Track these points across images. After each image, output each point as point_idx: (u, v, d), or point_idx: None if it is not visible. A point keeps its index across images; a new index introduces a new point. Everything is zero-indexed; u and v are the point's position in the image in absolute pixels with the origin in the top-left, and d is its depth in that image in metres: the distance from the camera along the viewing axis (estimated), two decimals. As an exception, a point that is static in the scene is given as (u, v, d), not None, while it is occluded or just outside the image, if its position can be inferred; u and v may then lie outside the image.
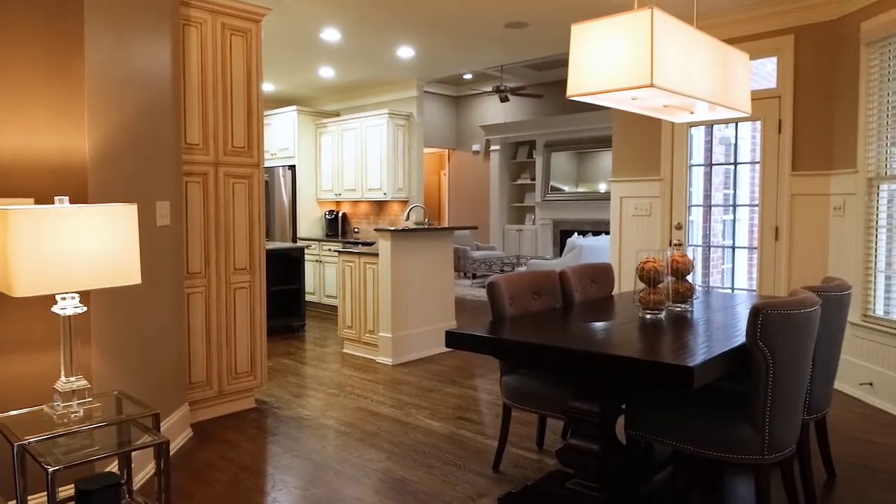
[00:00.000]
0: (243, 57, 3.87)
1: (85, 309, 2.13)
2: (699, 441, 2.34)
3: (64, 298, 2.06)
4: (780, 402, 2.25)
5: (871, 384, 4.02)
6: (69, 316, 2.07)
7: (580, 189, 10.78)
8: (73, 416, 2.05)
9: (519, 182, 11.78)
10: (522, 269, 8.96)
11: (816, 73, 4.54)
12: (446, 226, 8.75)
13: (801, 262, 4.63)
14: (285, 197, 8.23)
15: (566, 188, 10.95)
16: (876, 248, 4.08)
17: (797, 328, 2.25)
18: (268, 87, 8.07)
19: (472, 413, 3.91)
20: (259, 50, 3.96)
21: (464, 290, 9.49)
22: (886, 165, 4.01)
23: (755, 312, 2.21)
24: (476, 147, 12.00)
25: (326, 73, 7.28)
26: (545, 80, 10.17)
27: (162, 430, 3.08)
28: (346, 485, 2.90)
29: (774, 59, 4.76)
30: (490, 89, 9.37)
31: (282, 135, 8.36)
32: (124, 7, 2.81)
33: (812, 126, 4.57)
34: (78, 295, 2.08)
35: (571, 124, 10.39)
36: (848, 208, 4.29)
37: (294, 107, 8.21)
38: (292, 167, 8.20)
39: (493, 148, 11.70)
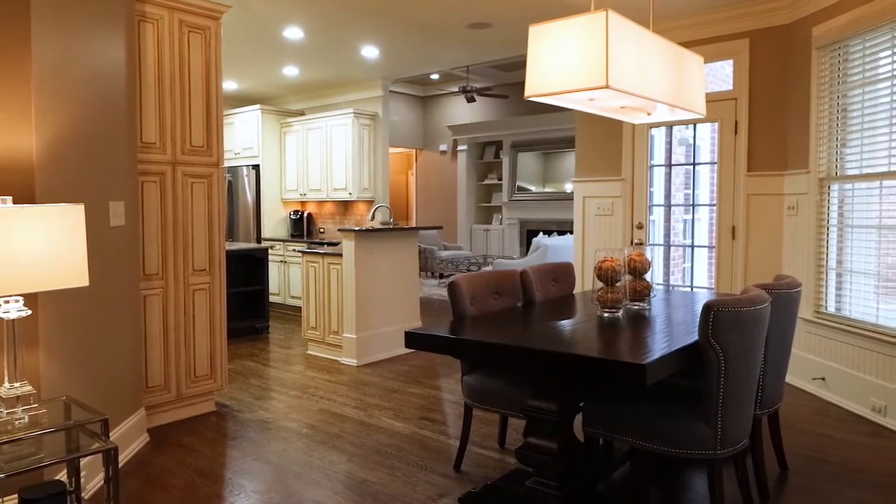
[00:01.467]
0: (202, 54, 3.81)
1: (30, 312, 2.07)
2: (654, 437, 2.37)
3: (7, 301, 1.99)
4: (731, 398, 2.30)
5: (823, 379, 4.13)
6: (13, 319, 2.01)
7: (547, 189, 10.87)
8: (17, 422, 1.99)
9: (486, 182, 11.83)
10: (489, 268, 8.99)
11: (771, 76, 4.65)
12: (412, 226, 8.74)
13: (757, 261, 4.75)
14: (249, 197, 8.13)
15: (533, 188, 11.03)
16: (827, 247, 4.20)
17: (748, 325, 2.30)
18: (230, 85, 7.96)
19: (435, 413, 3.90)
20: (218, 48, 3.90)
21: (431, 290, 9.49)
22: (837, 166, 4.13)
23: (707, 310, 2.25)
24: (443, 147, 12.01)
25: (290, 71, 7.20)
26: (511, 80, 10.23)
27: (116, 435, 3.02)
28: (306, 488, 2.87)
29: (731, 62, 4.87)
30: (456, 89, 9.38)
31: (245, 134, 8.25)
32: (74, 3, 2.74)
33: (767, 127, 4.68)
34: (22, 298, 2.02)
35: (538, 125, 10.47)
36: (801, 208, 4.40)
37: (258, 106, 8.11)
38: (256, 167, 8.10)
39: (460, 148, 11.73)
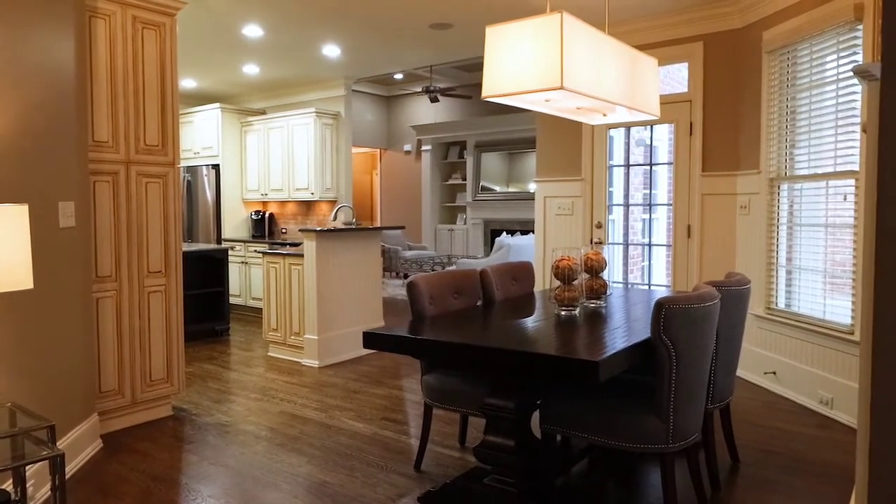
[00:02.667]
0: (156, 52, 3.73)
1: (-29, 317, 2.00)
2: (609, 433, 2.42)
3: (-54, 306, 1.93)
4: (683, 393, 2.36)
5: (774, 373, 4.26)
6: (-48, 324, 1.94)
7: (511, 189, 10.95)
8: (-43, 431, 1.93)
9: (450, 182, 11.86)
10: (453, 268, 9.01)
11: (724, 78, 4.77)
12: (376, 226, 8.70)
13: (712, 259, 4.87)
14: (209, 197, 7.99)
15: (497, 188, 11.10)
16: (777, 245, 4.33)
17: (698, 322, 2.36)
18: (189, 83, 7.81)
19: (397, 413, 3.90)
20: (174, 45, 3.82)
21: (395, 290, 9.47)
22: (786, 167, 4.26)
23: (658, 308, 2.30)
24: (407, 147, 12.00)
25: (251, 70, 7.11)
26: (474, 81, 10.26)
27: (66, 442, 2.94)
28: (264, 491, 2.84)
29: (686, 65, 4.98)
30: (420, 90, 9.38)
31: (205, 133, 8.11)
32: (18, -4, 2.65)
33: (720, 129, 4.80)
34: (-38, 302, 1.95)
35: (501, 125, 10.54)
36: (752, 207, 4.53)
37: (217, 104, 7.98)
38: (216, 166, 7.97)
39: (424, 148, 11.73)
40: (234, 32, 5.63)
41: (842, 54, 3.71)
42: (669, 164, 5.23)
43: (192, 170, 8.10)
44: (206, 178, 8.00)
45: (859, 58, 3.55)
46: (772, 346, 4.33)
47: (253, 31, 5.57)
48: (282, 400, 4.18)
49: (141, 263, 3.68)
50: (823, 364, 3.81)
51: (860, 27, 3.52)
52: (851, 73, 3.58)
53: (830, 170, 3.83)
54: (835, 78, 3.78)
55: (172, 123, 3.82)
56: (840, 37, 3.70)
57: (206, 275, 6.23)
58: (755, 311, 4.40)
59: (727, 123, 4.77)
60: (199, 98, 8.61)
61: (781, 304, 4.31)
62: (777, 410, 3.90)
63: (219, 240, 7.95)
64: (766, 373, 4.35)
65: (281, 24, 5.39)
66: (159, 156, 3.76)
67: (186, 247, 6.23)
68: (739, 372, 4.44)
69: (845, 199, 3.72)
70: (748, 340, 4.35)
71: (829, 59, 3.86)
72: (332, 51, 6.30)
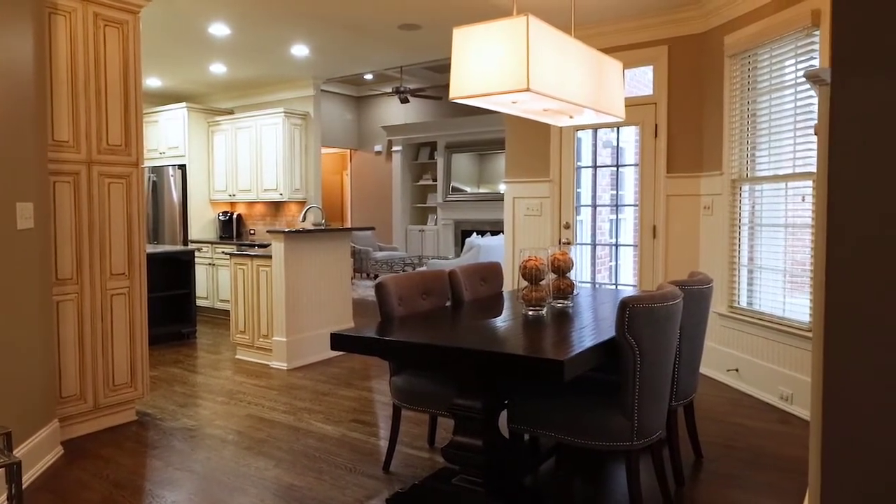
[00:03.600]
0: (119, 50, 3.66)
1: (-78, 321, 1.94)
2: (575, 431, 2.45)
3: None
4: (647, 390, 2.40)
5: (737, 370, 4.36)
6: None
7: (481, 190, 10.99)
8: None
9: (421, 183, 11.85)
10: (423, 269, 9.01)
11: (688, 81, 4.87)
12: (346, 227, 8.66)
13: (677, 258, 4.96)
14: (175, 198, 7.86)
15: (468, 189, 11.13)
16: (739, 245, 4.43)
17: (661, 320, 2.40)
18: (154, 82, 7.68)
19: (366, 415, 3.89)
20: (137, 43, 3.76)
21: (365, 291, 9.43)
22: (748, 168, 4.37)
23: (623, 307, 2.34)
24: (378, 148, 11.96)
25: (217, 69, 7.01)
26: (444, 82, 10.28)
27: (24, 449, 2.87)
28: (230, 496, 2.81)
29: (651, 69, 5.06)
30: (390, 90, 9.37)
31: (171, 133, 7.97)
32: (-27, -8, 2.58)
33: (684, 131, 4.89)
34: (-88, 306, 1.89)
35: (472, 126, 10.57)
36: (715, 208, 4.63)
37: (184, 104, 7.85)
38: (182, 167, 7.84)
39: (394, 149, 11.71)
40: (200, 31, 5.55)
41: (800, 59, 3.81)
42: (635, 165, 5.31)
43: (157, 170, 7.96)
44: (172, 179, 7.86)
45: (817, 62, 3.65)
46: (734, 343, 4.42)
47: (219, 29, 5.50)
48: (249, 403, 4.13)
49: (103, 265, 3.61)
50: (783, 361, 3.91)
51: (817, 33, 3.62)
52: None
53: (789, 171, 3.93)
54: (793, 82, 3.88)
55: (136, 123, 3.76)
56: (798, 42, 3.81)
57: (171, 277, 6.13)
58: (718, 310, 4.50)
59: (691, 126, 4.86)
60: (165, 97, 8.46)
61: (743, 303, 4.42)
62: (739, 407, 3.99)
63: (185, 241, 7.82)
64: (728, 370, 4.44)
65: (248, 23, 5.33)
66: (122, 156, 3.69)
67: (151, 248, 6.12)
68: (703, 369, 4.53)
69: (803, 199, 3.82)
70: (711, 338, 4.45)
71: (787, 63, 3.96)
72: (300, 50, 6.25)
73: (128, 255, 3.73)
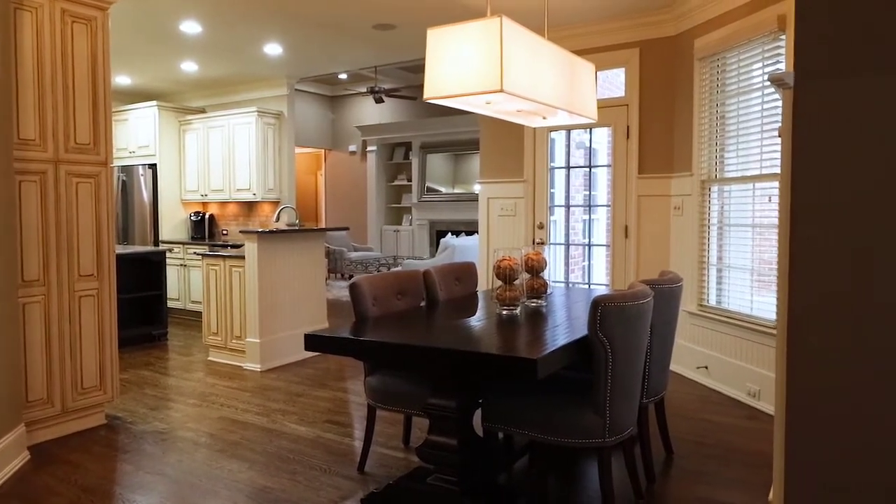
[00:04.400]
0: (87, 46, 3.59)
1: None
2: (548, 429, 2.47)
3: None
4: (618, 388, 2.43)
5: (706, 367, 4.44)
6: None
7: (456, 190, 11.01)
8: None
9: (396, 183, 11.84)
10: (398, 269, 9.01)
11: (659, 84, 4.94)
12: (320, 227, 8.61)
13: (648, 258, 5.03)
14: (146, 197, 7.74)
15: (442, 189, 11.15)
16: (708, 244, 4.52)
17: (632, 319, 2.44)
18: (124, 79, 7.55)
19: (341, 416, 3.88)
20: (106, 40, 3.69)
21: (340, 291, 9.39)
22: (717, 169, 4.45)
23: (595, 306, 2.37)
24: (353, 148, 11.91)
25: (189, 67, 6.92)
26: (419, 82, 10.28)
27: (-11, 454, 2.80)
28: (202, 499, 2.78)
29: (623, 71, 5.13)
30: (365, 90, 9.34)
31: (141, 131, 7.84)
32: (-66, -14, 2.52)
33: (655, 132, 4.97)
34: None
35: (446, 126, 10.59)
36: (685, 208, 4.71)
37: (154, 102, 7.73)
38: (153, 166, 7.72)
39: (369, 149, 11.67)
40: (171, 28, 5.47)
41: (767, 62, 3.90)
42: (608, 166, 5.38)
43: (127, 169, 7.82)
44: (142, 178, 7.74)
45: (783, 66, 3.74)
46: (704, 341, 4.51)
47: (191, 27, 5.43)
48: (222, 405, 4.09)
49: (71, 267, 3.54)
50: (751, 358, 4.00)
51: (783, 37, 3.71)
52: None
53: (757, 172, 4.02)
54: (760, 85, 3.97)
55: (105, 121, 3.69)
56: (765, 46, 3.89)
57: (142, 278, 6.04)
58: (688, 308, 4.58)
59: (662, 127, 4.94)
60: (135, 95, 8.32)
61: (713, 301, 4.50)
62: (709, 403, 4.07)
63: (156, 242, 7.70)
64: (698, 367, 4.53)
65: (220, 20, 5.27)
66: (91, 155, 3.63)
67: (121, 249, 6.02)
68: (673, 367, 4.60)
69: (770, 200, 3.91)
70: (681, 336, 4.52)
71: (755, 66, 4.05)
72: (273, 49, 6.20)
73: (96, 256, 3.66)
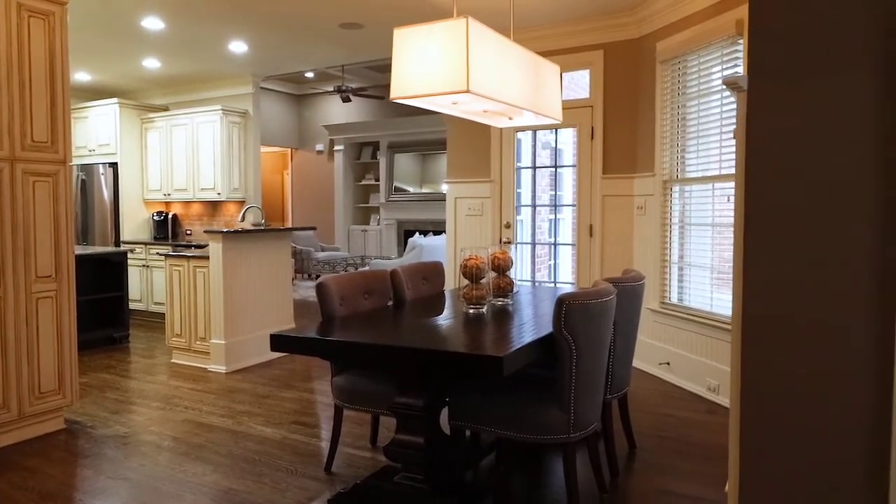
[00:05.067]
0: (45, 42, 3.50)
1: None
2: (514, 425, 2.50)
3: None
4: (583, 384, 2.48)
5: (668, 363, 4.54)
6: None
7: (424, 190, 11.02)
8: None
9: (364, 183, 11.79)
10: (366, 269, 8.98)
11: (622, 85, 5.03)
12: (287, 227, 8.52)
13: (612, 257, 5.12)
14: (106, 197, 7.56)
15: (410, 189, 11.14)
16: (670, 243, 4.62)
17: (595, 316, 2.49)
18: (83, 76, 7.36)
19: (308, 417, 3.86)
20: (64, 35, 3.61)
21: (307, 291, 9.32)
22: (678, 169, 4.55)
23: (559, 304, 2.41)
24: (319, 147, 11.83)
25: (151, 64, 6.79)
26: (386, 81, 10.26)
27: (-59, 461, 2.72)
28: (165, 502, 2.73)
29: (588, 72, 5.20)
30: (332, 89, 9.28)
31: (101, 129, 7.66)
32: None
33: (619, 133, 5.06)
34: None
35: (414, 126, 10.59)
36: (648, 207, 4.80)
37: (115, 99, 7.56)
38: (114, 164, 7.55)
39: (336, 148, 11.60)
40: (132, 24, 5.36)
41: (726, 66, 4.00)
42: (573, 166, 5.45)
43: (86, 168, 7.64)
44: (102, 177, 7.56)
45: (741, 69, 3.84)
46: (666, 337, 4.61)
47: (153, 23, 5.33)
48: (186, 408, 4.03)
49: (28, 268, 3.45)
50: (711, 353, 4.10)
51: (742, 41, 3.81)
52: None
53: (716, 173, 4.12)
54: (719, 88, 4.07)
55: (63, 119, 3.61)
56: (724, 50, 3.99)
57: (103, 279, 5.90)
58: (650, 306, 4.67)
59: (625, 128, 5.03)
60: (95, 92, 8.13)
61: (674, 299, 4.60)
62: (670, 398, 4.16)
63: (117, 242, 7.54)
64: (660, 363, 4.62)
65: (183, 17, 5.19)
66: (48, 153, 3.54)
67: (81, 250, 5.88)
68: (636, 363, 4.69)
69: (728, 200, 4.01)
70: (644, 333, 4.62)
71: (714, 69, 4.15)
72: (238, 47, 6.13)
73: (55, 257, 3.57)
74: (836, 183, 1.43)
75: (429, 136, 10.62)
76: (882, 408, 1.38)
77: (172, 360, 5.21)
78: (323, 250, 10.81)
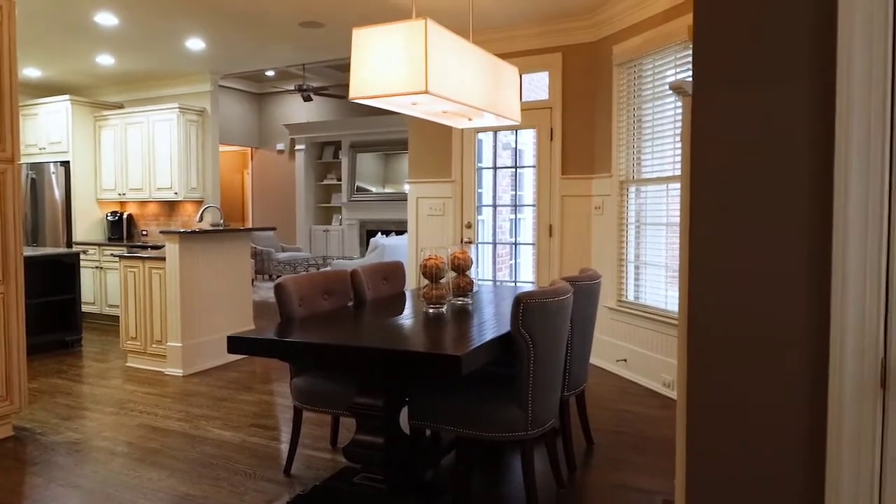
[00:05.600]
0: (-11, 37, 3.39)
1: None
2: (473, 424, 2.53)
3: None
4: (540, 382, 2.52)
5: (625, 360, 4.63)
6: None
7: (386, 189, 11.00)
8: None
9: (325, 182, 11.70)
10: (327, 269, 8.91)
11: (580, 87, 5.11)
12: (247, 227, 8.41)
13: (571, 256, 5.20)
14: (57, 196, 7.34)
15: (373, 189, 11.10)
16: (626, 242, 4.71)
17: (552, 315, 2.53)
18: (33, 72, 7.13)
19: (267, 419, 3.82)
20: (12, 30, 3.49)
21: (267, 292, 9.20)
22: (634, 170, 4.65)
23: (517, 303, 2.44)
24: (280, 146, 11.70)
25: (105, 60, 6.61)
26: (348, 80, 10.20)
27: None
28: (120, 508, 2.68)
29: (547, 74, 5.27)
30: (293, 88, 9.19)
31: (52, 127, 7.43)
32: None
33: (577, 134, 5.14)
34: None
35: (376, 126, 10.56)
36: (605, 208, 4.89)
37: (67, 96, 7.34)
38: (66, 163, 7.33)
39: (298, 147, 11.49)
40: (84, 19, 5.22)
41: (679, 69, 4.11)
42: (533, 167, 5.51)
43: (36, 167, 7.40)
44: (53, 176, 7.34)
45: (693, 74, 3.95)
46: (623, 335, 4.70)
47: (106, 18, 5.19)
48: (141, 412, 3.95)
49: (-27, 270, 3.33)
50: (666, 350, 4.21)
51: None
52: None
53: (670, 174, 4.23)
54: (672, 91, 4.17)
55: (11, 116, 3.50)
56: (677, 54, 4.10)
57: (54, 281, 5.73)
58: (608, 304, 4.76)
59: (583, 130, 5.11)
60: (46, 89, 7.88)
61: (631, 297, 4.70)
62: (626, 394, 4.25)
63: (69, 243, 7.32)
64: (618, 360, 4.72)
65: (137, 12, 5.07)
66: (-6, 151, 3.43)
67: (30, 251, 5.69)
68: (594, 360, 4.78)
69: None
70: (602, 331, 4.70)
71: (668, 73, 4.25)
72: (195, 44, 6.02)
73: (2, 259, 3.46)
74: (775, 185, 1.49)
75: (391, 135, 10.60)
76: (818, 400, 1.45)
77: (127, 364, 5.09)
78: (284, 251, 10.69)
